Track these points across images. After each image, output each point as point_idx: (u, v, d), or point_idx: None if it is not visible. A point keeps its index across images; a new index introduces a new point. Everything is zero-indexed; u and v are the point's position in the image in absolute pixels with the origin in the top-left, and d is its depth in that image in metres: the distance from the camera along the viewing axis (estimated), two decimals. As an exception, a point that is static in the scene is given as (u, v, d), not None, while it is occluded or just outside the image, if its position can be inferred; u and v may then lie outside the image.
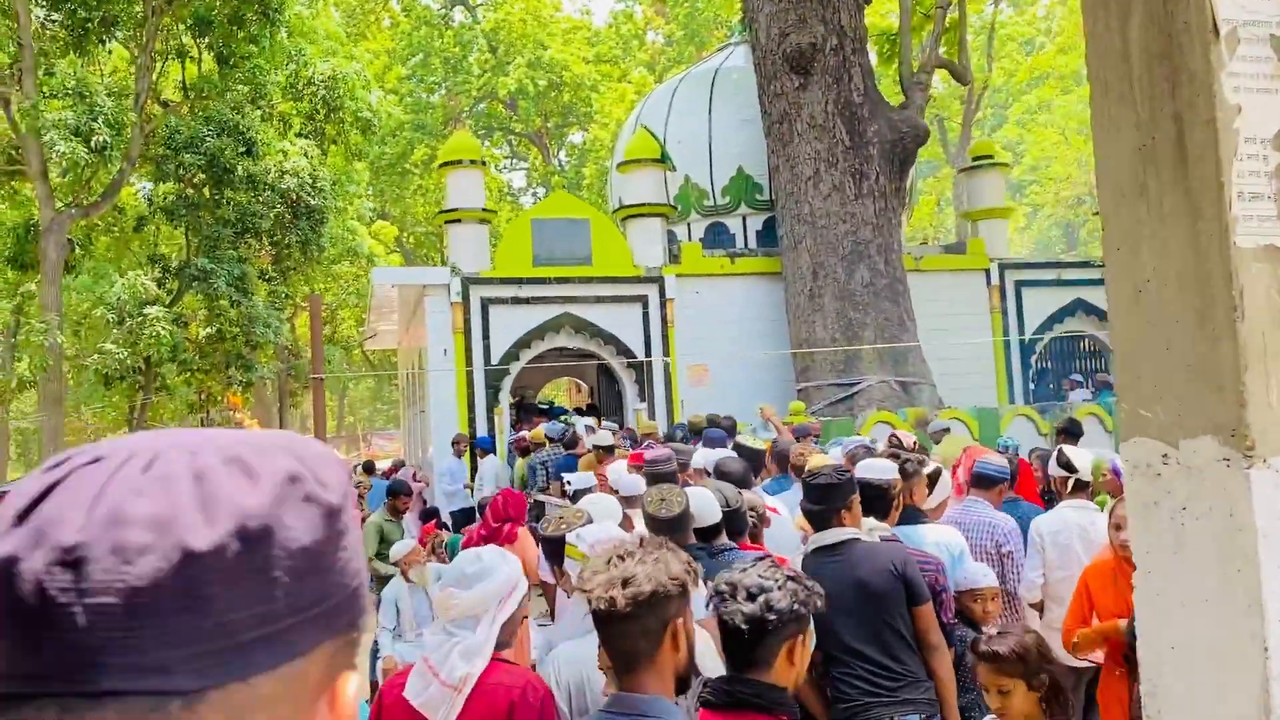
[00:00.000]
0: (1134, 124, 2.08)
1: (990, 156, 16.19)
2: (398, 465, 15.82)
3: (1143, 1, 1.99)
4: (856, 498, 3.77)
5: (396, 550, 7.34)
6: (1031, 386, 15.45)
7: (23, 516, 0.59)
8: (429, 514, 13.12)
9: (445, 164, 14.47)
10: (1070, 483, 5.40)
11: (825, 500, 3.73)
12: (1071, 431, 8.71)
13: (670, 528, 3.63)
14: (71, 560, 0.57)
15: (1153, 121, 1.98)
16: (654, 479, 5.78)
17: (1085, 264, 16.24)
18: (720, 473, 5.59)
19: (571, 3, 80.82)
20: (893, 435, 6.70)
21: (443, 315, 13.81)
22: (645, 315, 14.34)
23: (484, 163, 14.70)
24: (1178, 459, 1.78)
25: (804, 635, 2.24)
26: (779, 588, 2.21)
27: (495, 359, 13.90)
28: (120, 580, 0.57)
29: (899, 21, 14.42)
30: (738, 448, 6.66)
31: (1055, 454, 6.30)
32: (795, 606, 2.20)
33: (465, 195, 14.14)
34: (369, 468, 15.94)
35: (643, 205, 14.50)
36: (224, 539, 0.59)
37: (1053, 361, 16.08)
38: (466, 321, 13.82)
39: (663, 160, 14.80)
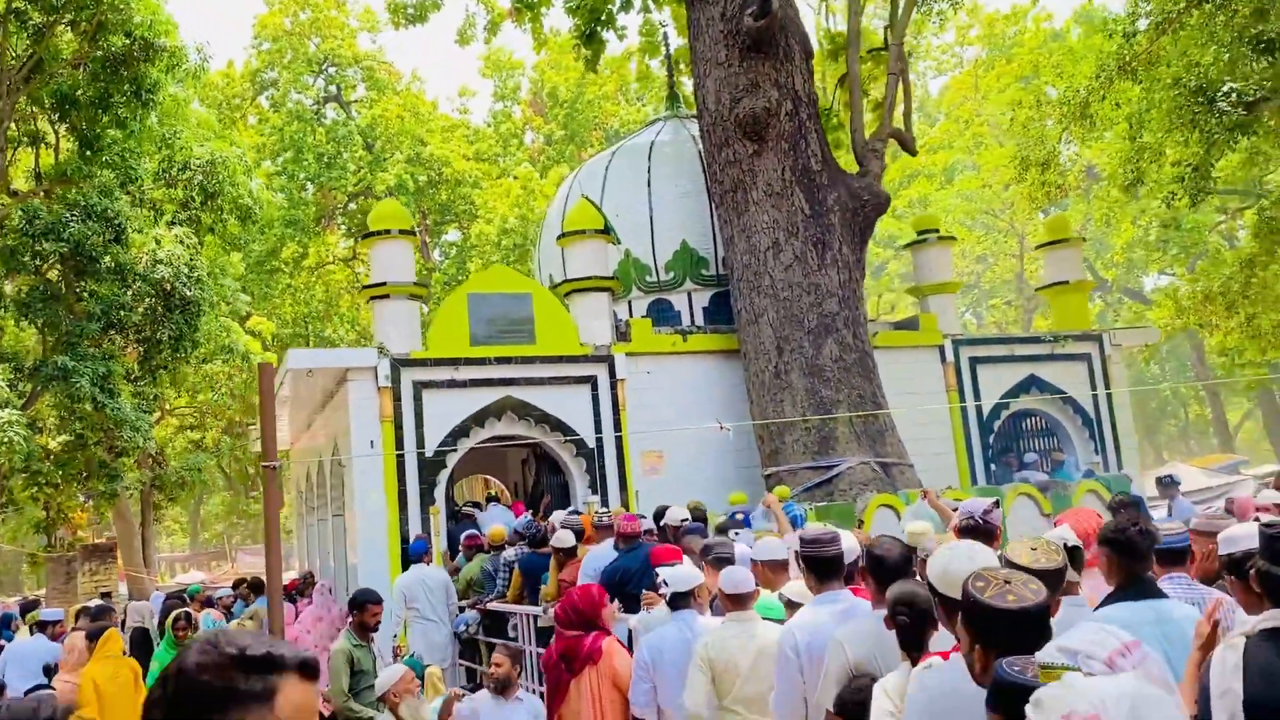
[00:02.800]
0: None
1: (936, 230, 15.77)
2: (306, 578, 13.78)
3: None
4: None
5: (384, 680, 5.75)
6: (992, 467, 14.75)
7: None
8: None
9: (370, 234, 13.00)
10: None
11: None
12: (1134, 504, 7.86)
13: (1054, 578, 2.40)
14: None
15: None
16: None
17: (1036, 339, 15.85)
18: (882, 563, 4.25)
19: (448, 102, 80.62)
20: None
21: (369, 402, 12.19)
22: (595, 398, 13.05)
23: (414, 232, 13.32)
24: None
25: None
26: None
27: (429, 450, 12.32)
28: None
29: (850, 89, 13.95)
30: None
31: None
32: None
33: (394, 268, 12.68)
34: (256, 587, 13.85)
35: (588, 279, 13.33)
36: None
37: (1008, 439, 15.49)
38: (397, 408, 12.23)
39: (606, 232, 13.75)
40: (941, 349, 14.89)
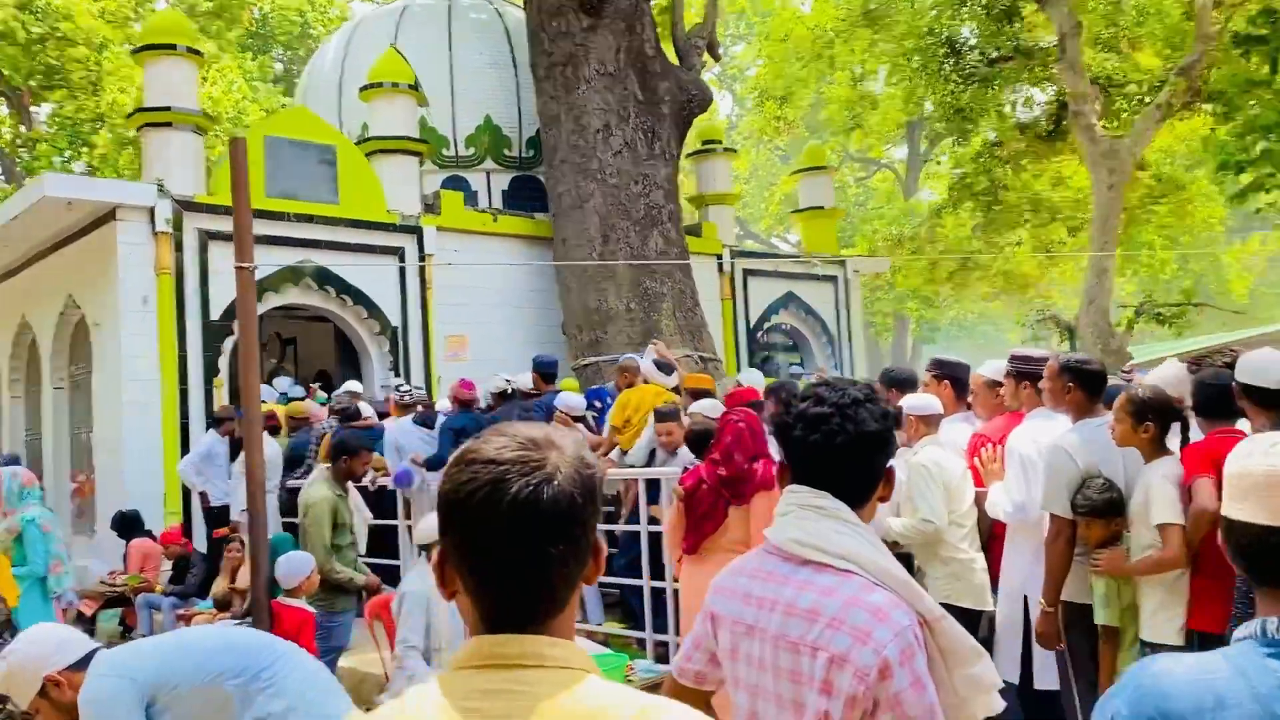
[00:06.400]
0: None
1: (719, 142, 15.99)
2: (11, 460, 11.11)
3: None
4: None
5: (426, 530, 4.79)
6: (754, 375, 15.36)
7: None
8: (129, 523, 9.60)
9: (144, 48, 10.65)
10: None
11: None
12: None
13: None
14: None
15: None
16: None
17: (796, 257, 16.67)
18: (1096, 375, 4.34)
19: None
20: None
21: (142, 249, 10.09)
22: (402, 272, 11.81)
23: (202, 54, 11.10)
24: None
25: None
26: None
27: (216, 313, 10.48)
28: None
29: (674, -21, 13.63)
30: None
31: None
32: None
33: (174, 92, 10.50)
34: None
35: (398, 139, 11.96)
36: None
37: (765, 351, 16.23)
38: (178, 259, 10.24)
39: (416, 88, 12.38)
40: (720, 258, 15.19)
